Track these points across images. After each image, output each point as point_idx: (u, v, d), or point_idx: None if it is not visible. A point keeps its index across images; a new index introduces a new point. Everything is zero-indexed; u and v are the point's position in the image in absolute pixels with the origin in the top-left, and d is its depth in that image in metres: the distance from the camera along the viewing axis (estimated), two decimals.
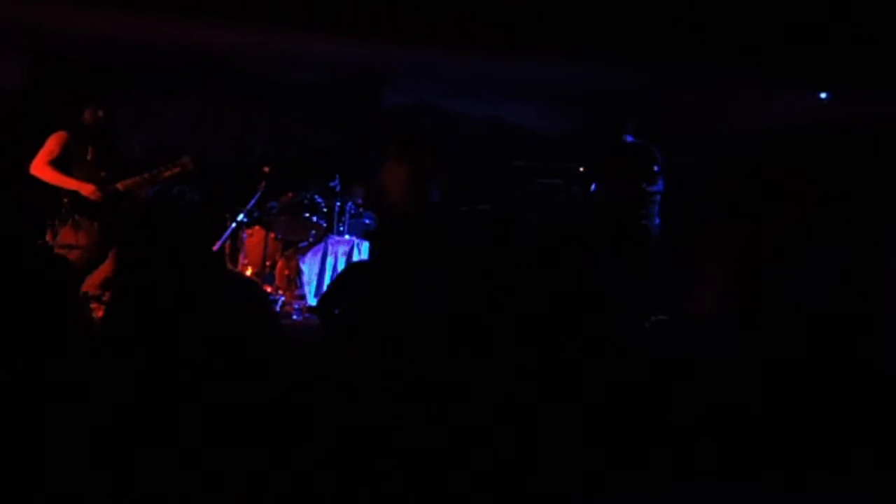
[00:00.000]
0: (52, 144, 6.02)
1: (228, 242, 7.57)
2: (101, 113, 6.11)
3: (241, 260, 7.73)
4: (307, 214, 7.74)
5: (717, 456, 4.21)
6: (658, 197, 7.16)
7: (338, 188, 7.81)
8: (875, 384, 5.64)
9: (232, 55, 7.88)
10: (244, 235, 7.69)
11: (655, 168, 7.04)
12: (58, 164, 5.99)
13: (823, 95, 7.31)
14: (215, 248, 7.42)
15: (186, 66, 8.24)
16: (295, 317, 7.49)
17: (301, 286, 7.67)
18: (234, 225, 7.41)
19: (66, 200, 6.00)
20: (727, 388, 5.51)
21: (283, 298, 7.62)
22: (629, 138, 7.12)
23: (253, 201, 7.47)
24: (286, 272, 7.77)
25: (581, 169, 8.05)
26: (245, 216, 7.48)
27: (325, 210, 7.80)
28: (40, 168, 5.99)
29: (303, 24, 6.55)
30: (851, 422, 4.83)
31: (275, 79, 8.55)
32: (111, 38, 7.28)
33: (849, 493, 3.97)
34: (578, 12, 6.45)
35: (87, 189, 5.98)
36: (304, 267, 7.60)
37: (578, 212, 8.04)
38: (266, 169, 7.46)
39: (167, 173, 6.33)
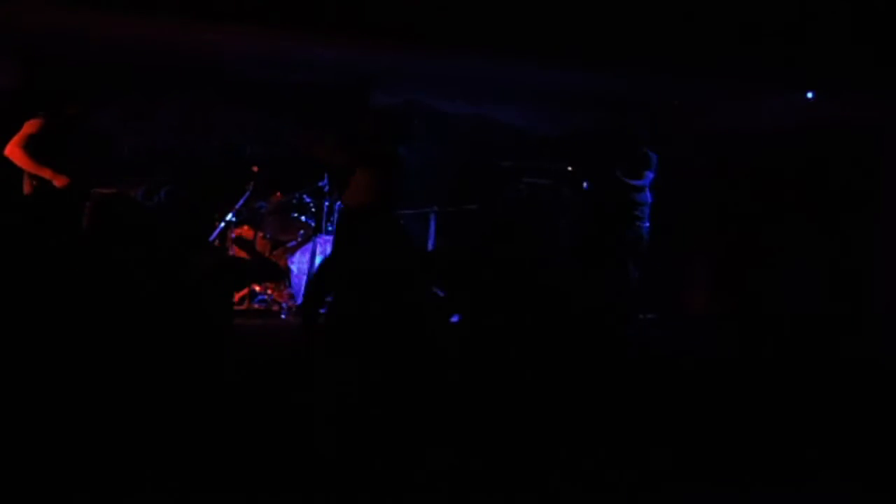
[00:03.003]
0: (29, 129, 5.92)
1: (217, 242, 7.59)
2: (80, 109, 6.10)
3: None
4: (296, 214, 7.77)
5: (708, 455, 4.25)
6: (648, 202, 7.34)
7: (326, 188, 7.82)
8: (864, 384, 5.69)
9: (220, 56, 7.88)
10: (233, 235, 7.70)
11: (648, 174, 7.24)
12: (32, 149, 5.88)
13: (809, 95, 7.37)
14: None
15: (175, 68, 8.23)
16: (283, 316, 7.52)
17: (289, 285, 7.69)
18: (222, 224, 7.45)
19: (35, 184, 5.92)
20: (717, 386, 5.56)
21: (271, 297, 7.64)
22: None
23: (242, 201, 7.52)
24: None
25: (569, 169, 8.09)
26: (234, 216, 7.51)
27: (313, 210, 7.82)
28: (15, 151, 5.87)
29: (292, 26, 6.56)
30: (842, 421, 4.87)
31: (263, 80, 8.53)
32: (101, 41, 7.27)
33: (846, 493, 3.99)
34: (567, 16, 6.48)
35: (60, 180, 5.88)
36: (292, 266, 7.61)
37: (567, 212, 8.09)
38: (255, 168, 7.49)
39: None
